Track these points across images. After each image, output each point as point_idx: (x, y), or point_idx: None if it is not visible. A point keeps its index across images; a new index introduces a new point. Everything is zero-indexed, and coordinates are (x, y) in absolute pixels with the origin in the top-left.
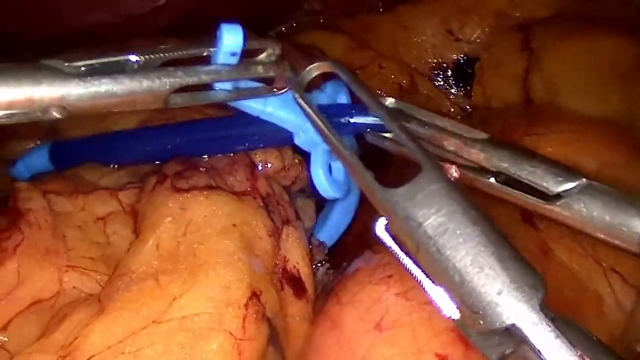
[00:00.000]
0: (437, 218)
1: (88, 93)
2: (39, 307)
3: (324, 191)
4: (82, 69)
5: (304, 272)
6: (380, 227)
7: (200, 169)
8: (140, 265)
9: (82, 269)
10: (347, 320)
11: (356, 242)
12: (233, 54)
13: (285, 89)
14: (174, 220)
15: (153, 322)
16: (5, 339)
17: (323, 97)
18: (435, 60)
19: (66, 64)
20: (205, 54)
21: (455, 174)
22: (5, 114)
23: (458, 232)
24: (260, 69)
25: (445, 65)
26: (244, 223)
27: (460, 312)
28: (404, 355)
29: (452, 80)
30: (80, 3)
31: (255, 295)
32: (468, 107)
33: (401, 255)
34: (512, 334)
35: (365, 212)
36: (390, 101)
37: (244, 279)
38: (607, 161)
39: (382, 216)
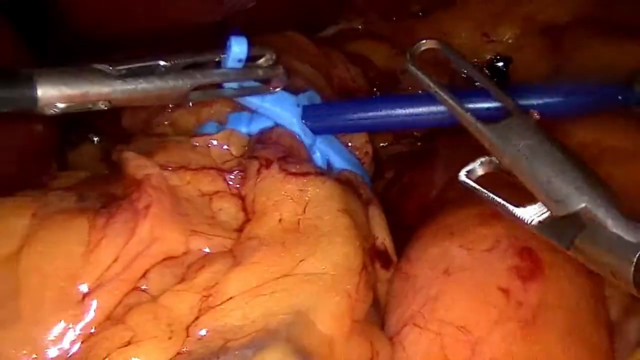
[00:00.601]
0: (528, 142)
1: (128, 90)
2: (172, 262)
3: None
4: (124, 71)
5: (389, 246)
6: (462, 175)
7: (302, 155)
8: (267, 234)
9: (203, 233)
10: (418, 271)
11: (412, 219)
12: (239, 60)
13: (279, 88)
14: (294, 201)
15: (284, 275)
16: (146, 287)
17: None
18: (473, 60)
19: (111, 68)
20: (217, 59)
21: (537, 116)
22: (66, 106)
23: (544, 151)
24: (260, 71)
25: (481, 64)
26: (351, 205)
27: (545, 204)
28: (470, 292)
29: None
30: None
31: (365, 266)
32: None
33: (484, 192)
34: (582, 217)
35: (417, 192)
36: None
37: (358, 252)
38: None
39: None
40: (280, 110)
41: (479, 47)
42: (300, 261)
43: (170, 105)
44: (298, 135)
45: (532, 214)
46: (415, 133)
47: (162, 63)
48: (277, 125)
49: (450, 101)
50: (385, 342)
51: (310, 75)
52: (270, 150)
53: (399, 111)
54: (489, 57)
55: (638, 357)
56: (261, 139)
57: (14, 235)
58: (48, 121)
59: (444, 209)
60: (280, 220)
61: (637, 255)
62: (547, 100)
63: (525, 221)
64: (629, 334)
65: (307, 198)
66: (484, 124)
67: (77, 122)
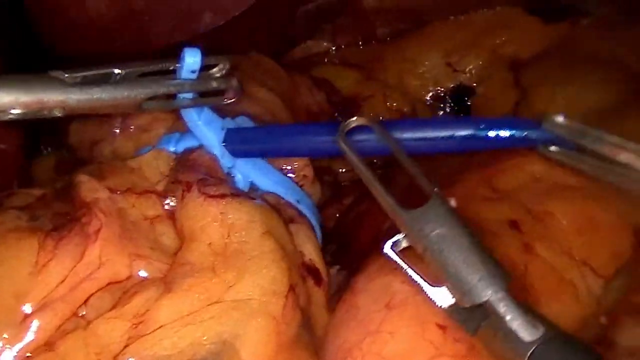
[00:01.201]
0: (440, 230)
1: (82, 98)
2: (114, 287)
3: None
4: (78, 79)
5: (318, 262)
6: (387, 247)
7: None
8: (197, 259)
9: (146, 257)
10: (361, 303)
11: (365, 248)
12: (193, 71)
13: (233, 99)
14: (219, 225)
15: (214, 302)
16: (84, 313)
17: (231, 123)
18: (436, 89)
19: (66, 75)
20: (172, 68)
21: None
22: (21, 113)
23: (453, 240)
24: (214, 83)
25: (444, 94)
26: (273, 226)
27: (452, 293)
28: (410, 326)
29: (450, 108)
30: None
31: (292, 287)
32: None
33: (404, 266)
34: (486, 309)
35: (373, 221)
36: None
37: (285, 274)
38: (584, 178)
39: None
40: (206, 130)
41: (443, 76)
42: (230, 287)
43: (114, 129)
44: (217, 158)
45: (445, 296)
46: (375, 160)
47: (116, 71)
48: (199, 146)
49: (374, 182)
50: None
51: (266, 99)
52: (189, 173)
53: (309, 139)
54: (451, 86)
55: None
56: (182, 161)
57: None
58: (11, 138)
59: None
60: (209, 244)
61: (528, 354)
62: (457, 132)
63: (437, 303)
64: None
65: (230, 222)
66: (401, 209)
67: (38, 132)
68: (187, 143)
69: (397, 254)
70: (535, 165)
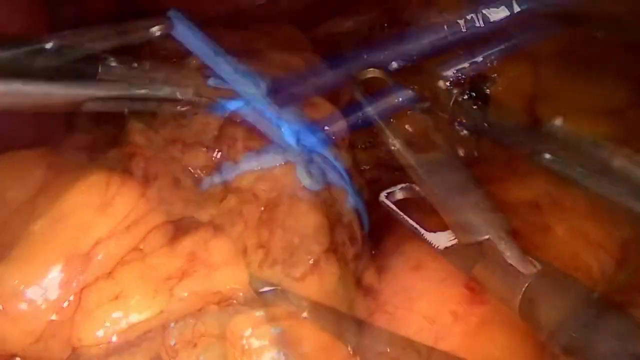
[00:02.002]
0: (449, 175)
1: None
2: (169, 226)
3: (309, 185)
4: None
5: (355, 223)
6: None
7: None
8: (243, 209)
9: (196, 202)
10: (388, 299)
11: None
12: None
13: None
14: (269, 182)
15: (259, 247)
16: (142, 247)
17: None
18: (456, 75)
19: None
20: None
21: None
22: None
23: (459, 183)
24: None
25: (464, 80)
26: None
27: (455, 232)
28: (428, 313)
29: (468, 97)
30: None
31: (332, 241)
32: (477, 151)
33: (399, 214)
34: (484, 248)
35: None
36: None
37: (326, 227)
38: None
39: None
40: (248, 82)
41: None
42: (272, 235)
43: None
44: (263, 111)
45: (441, 239)
46: (394, 163)
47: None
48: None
49: (384, 128)
50: None
51: (299, 65)
52: (235, 128)
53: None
54: (472, 73)
55: None
56: (229, 117)
57: (29, 183)
58: None
59: (408, 243)
60: (255, 195)
61: (525, 286)
62: None
63: (434, 245)
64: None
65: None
66: (410, 152)
67: None
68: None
69: (392, 203)
70: (536, 185)
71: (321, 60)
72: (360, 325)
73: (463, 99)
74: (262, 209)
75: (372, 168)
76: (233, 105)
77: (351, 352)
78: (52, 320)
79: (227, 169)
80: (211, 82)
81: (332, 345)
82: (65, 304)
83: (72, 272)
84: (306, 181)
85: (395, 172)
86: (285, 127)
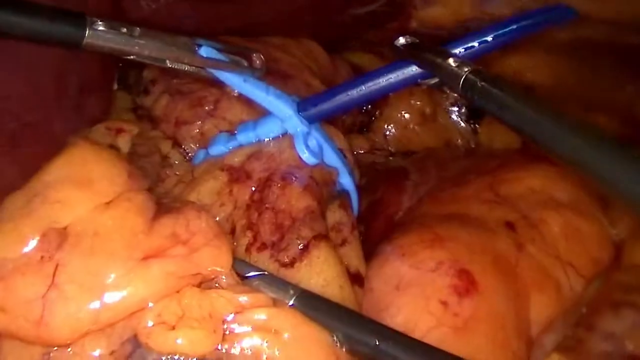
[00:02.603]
0: None
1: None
2: (150, 204)
3: (307, 159)
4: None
5: (362, 270)
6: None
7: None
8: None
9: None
10: (375, 286)
11: (378, 235)
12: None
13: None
14: None
15: None
16: (121, 225)
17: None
18: (455, 97)
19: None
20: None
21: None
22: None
23: None
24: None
25: (462, 103)
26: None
27: None
28: (416, 301)
29: (465, 117)
30: None
31: None
32: (473, 142)
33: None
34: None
35: (386, 211)
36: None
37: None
38: (575, 196)
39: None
40: (280, 103)
41: None
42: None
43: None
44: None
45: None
46: (390, 148)
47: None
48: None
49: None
50: None
51: (317, 88)
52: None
53: (376, 81)
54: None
55: (552, 358)
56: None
57: (113, 188)
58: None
59: (398, 231)
60: (247, 174)
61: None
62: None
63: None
64: (545, 345)
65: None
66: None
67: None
68: (264, 129)
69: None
70: (535, 179)
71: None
72: (350, 315)
73: (459, 116)
74: (253, 189)
75: (367, 152)
76: (227, 77)
77: (337, 343)
78: (24, 296)
79: (220, 142)
80: (202, 52)
81: (318, 334)
82: (39, 279)
83: (48, 248)
84: (304, 154)
85: (390, 157)
86: (284, 98)
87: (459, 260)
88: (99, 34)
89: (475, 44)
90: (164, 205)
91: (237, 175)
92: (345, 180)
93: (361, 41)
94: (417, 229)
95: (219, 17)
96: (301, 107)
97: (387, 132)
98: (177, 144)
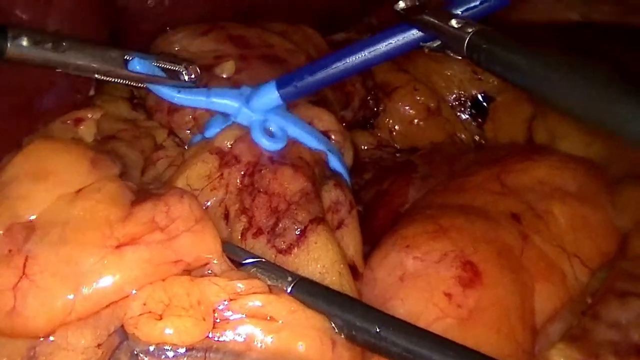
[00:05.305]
0: None
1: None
2: (125, 192)
3: (268, 146)
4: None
5: (358, 260)
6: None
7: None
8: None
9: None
10: (379, 277)
11: (382, 226)
12: None
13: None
14: None
15: None
16: (94, 214)
17: (247, 90)
18: (459, 92)
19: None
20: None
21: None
22: None
23: None
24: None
25: (465, 97)
26: None
27: None
28: (420, 293)
29: (469, 112)
30: None
31: None
32: (479, 136)
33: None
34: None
35: (391, 202)
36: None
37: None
38: (582, 186)
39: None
40: (225, 101)
41: (467, 81)
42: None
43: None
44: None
45: None
46: (396, 145)
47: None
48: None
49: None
50: None
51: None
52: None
53: (377, 46)
54: (474, 92)
55: (558, 347)
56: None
57: (76, 178)
58: None
59: (403, 222)
60: (236, 158)
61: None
62: None
63: None
64: (550, 335)
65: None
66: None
67: None
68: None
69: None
70: (541, 170)
71: None
72: (350, 302)
73: (464, 115)
74: (243, 172)
75: (373, 148)
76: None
77: (336, 330)
78: None
79: (216, 124)
80: (135, 65)
81: (314, 320)
82: (8, 271)
83: (15, 241)
84: (264, 142)
85: (397, 154)
86: (228, 95)
87: (463, 251)
88: (21, 48)
89: (477, 2)
90: (146, 191)
91: (226, 159)
92: (333, 162)
93: (364, 26)
94: (421, 220)
95: (221, 3)
96: (281, 83)
97: (393, 128)
98: (172, 133)
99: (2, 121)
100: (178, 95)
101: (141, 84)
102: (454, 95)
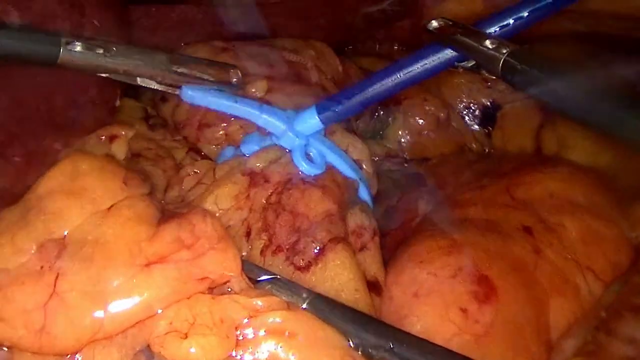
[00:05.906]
0: None
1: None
2: (153, 210)
3: (308, 171)
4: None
5: (380, 278)
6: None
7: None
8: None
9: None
10: (394, 294)
11: (395, 242)
12: None
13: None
14: None
15: None
16: (122, 232)
17: (293, 114)
18: (469, 101)
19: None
20: None
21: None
22: None
23: None
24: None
25: (475, 106)
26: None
27: None
28: (436, 310)
29: (478, 121)
30: None
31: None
32: (487, 146)
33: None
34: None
35: (403, 218)
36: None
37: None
38: (592, 198)
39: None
40: (273, 120)
41: (477, 90)
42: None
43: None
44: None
45: None
46: (405, 155)
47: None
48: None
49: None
50: None
51: (331, 91)
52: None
53: (411, 67)
54: (484, 100)
55: None
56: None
57: (108, 195)
58: None
59: (415, 237)
60: (266, 178)
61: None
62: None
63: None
64: (565, 351)
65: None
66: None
67: None
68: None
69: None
70: (552, 182)
71: None
72: (364, 319)
73: (472, 122)
74: (270, 192)
75: (382, 159)
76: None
77: (352, 347)
78: (24, 306)
79: (253, 141)
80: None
81: (333, 337)
82: (39, 289)
83: (47, 258)
84: (303, 167)
85: (406, 165)
86: (277, 115)
87: (477, 266)
88: (74, 54)
89: (510, 20)
90: (168, 211)
91: (256, 179)
92: (362, 191)
93: (372, 41)
94: (434, 235)
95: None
96: (321, 108)
97: (402, 139)
98: (192, 149)
99: (41, 134)
100: (235, 105)
101: (188, 84)
102: (464, 104)
